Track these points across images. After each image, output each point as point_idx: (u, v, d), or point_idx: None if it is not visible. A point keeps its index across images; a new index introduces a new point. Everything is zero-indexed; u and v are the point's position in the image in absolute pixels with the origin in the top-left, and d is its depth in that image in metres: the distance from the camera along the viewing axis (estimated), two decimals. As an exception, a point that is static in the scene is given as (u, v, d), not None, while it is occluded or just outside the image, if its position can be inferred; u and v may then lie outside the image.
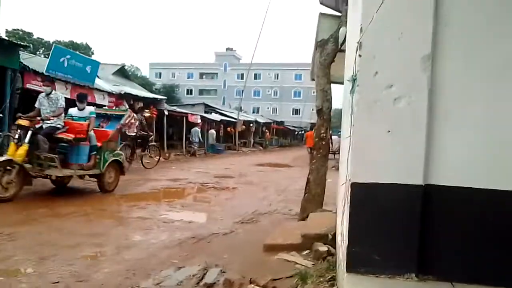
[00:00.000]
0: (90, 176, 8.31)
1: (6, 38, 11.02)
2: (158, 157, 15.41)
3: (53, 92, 8.01)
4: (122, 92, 16.49)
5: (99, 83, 15.42)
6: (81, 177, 8.21)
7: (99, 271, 3.89)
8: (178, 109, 23.89)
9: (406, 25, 2.34)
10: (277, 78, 72.92)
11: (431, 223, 2.35)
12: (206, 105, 31.47)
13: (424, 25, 2.31)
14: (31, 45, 19.96)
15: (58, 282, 3.55)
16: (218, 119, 28.40)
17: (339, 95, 7.19)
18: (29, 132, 7.16)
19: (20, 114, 7.51)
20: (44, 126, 7.53)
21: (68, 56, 13.19)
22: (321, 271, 3.46)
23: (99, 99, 14.67)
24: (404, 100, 2.35)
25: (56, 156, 7.39)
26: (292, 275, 3.56)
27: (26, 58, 12.07)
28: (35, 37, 39.52)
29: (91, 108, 8.55)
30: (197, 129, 22.77)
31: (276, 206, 8.05)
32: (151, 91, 30.18)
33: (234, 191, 10.22)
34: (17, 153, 6.94)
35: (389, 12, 2.33)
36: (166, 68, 74.93)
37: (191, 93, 72.18)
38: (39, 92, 12.02)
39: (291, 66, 71.24)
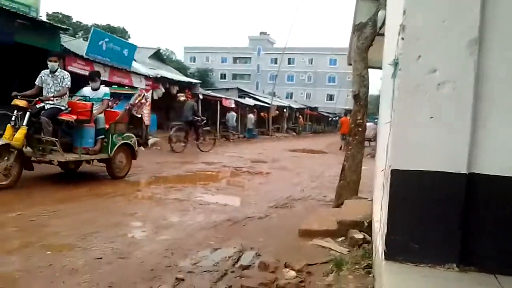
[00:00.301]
0: (98, 161, 7.78)
1: (48, 21, 11.32)
2: (213, 140, 16.28)
3: (59, 69, 7.21)
4: (158, 76, 16.73)
5: (136, 66, 15.69)
6: (89, 162, 7.73)
7: (139, 249, 4.02)
8: (212, 93, 24.06)
9: (452, 6, 2.25)
10: (311, 63, 72.03)
11: (475, 213, 2.29)
12: (240, 90, 31.55)
13: (471, 7, 2.22)
14: (71, 28, 20.42)
15: (101, 258, 3.70)
16: (252, 104, 28.44)
17: (376, 81, 7.05)
18: (27, 114, 6.53)
19: (15, 93, 6.73)
20: (47, 107, 6.95)
21: (106, 40, 13.45)
22: (356, 258, 3.45)
23: (136, 82, 14.95)
24: (448, 85, 2.28)
25: (57, 139, 6.73)
26: (327, 261, 3.57)
27: (66, 41, 12.37)
28: (74, 20, 40.58)
29: (106, 89, 7.95)
30: (233, 113, 22.94)
31: (310, 192, 8.04)
32: (186, 75, 30.48)
33: (267, 176, 10.26)
34: (15, 137, 6.35)
35: None
36: (200, 52, 75.37)
37: (224, 78, 72.46)
38: (80, 75, 12.46)
39: (326, 51, 70.14)
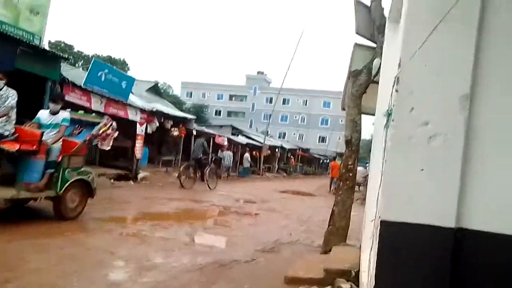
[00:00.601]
0: (45, 198, 6.61)
1: (49, 50, 11.46)
2: (218, 177, 16.70)
3: (5, 88, 6.20)
4: (154, 109, 16.82)
5: (132, 98, 15.80)
6: (36, 199, 6.64)
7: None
8: (206, 130, 24.18)
9: (446, 62, 2.32)
10: (306, 105, 73.07)
11: (463, 269, 2.26)
12: (234, 128, 31.75)
13: (464, 64, 2.28)
14: (72, 58, 20.69)
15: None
16: (244, 142, 28.54)
17: (368, 125, 7.15)
18: None
19: None
20: None
21: (106, 71, 13.61)
22: (342, 308, 3.36)
23: (131, 114, 15.01)
24: (439, 138, 2.31)
25: None
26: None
27: (66, 70, 12.49)
28: (75, 50, 41.10)
29: (65, 114, 6.83)
30: (230, 153, 23.11)
31: (298, 236, 7.93)
32: (181, 110, 30.70)
33: (256, 217, 10.14)
34: None
35: (429, 48, 2.31)
36: (197, 88, 76.30)
37: (219, 114, 73.03)
38: (76, 105, 12.52)
39: (320, 94, 71.36)
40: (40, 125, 6.56)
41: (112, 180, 13.29)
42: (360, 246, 4.85)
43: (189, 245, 6.16)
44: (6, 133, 5.97)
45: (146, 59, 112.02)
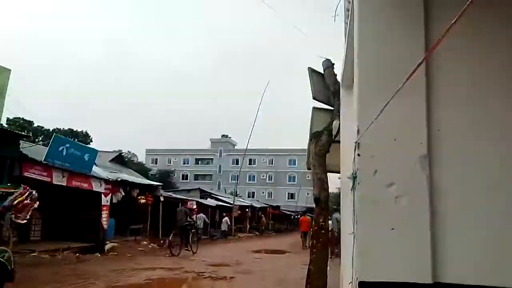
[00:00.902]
0: None
1: (8, 129, 11.26)
2: (197, 241, 17.01)
3: None
4: (119, 179, 16.53)
5: (96, 170, 15.51)
6: None
7: None
8: (174, 195, 23.81)
9: (401, 128, 2.45)
10: (272, 163, 73.82)
11: (444, 327, 2.27)
12: (202, 191, 31.45)
13: (418, 128, 2.43)
14: (31, 134, 20.32)
15: None
16: (214, 204, 28.19)
17: (335, 180, 7.27)
18: None
19: None
20: None
21: (67, 145, 13.42)
22: None
23: (95, 186, 14.67)
24: (405, 198, 2.39)
25: None
26: None
27: (25, 147, 12.24)
28: (35, 125, 40.41)
29: None
30: (203, 215, 22.73)
31: (277, 299, 7.72)
32: (147, 177, 30.26)
33: (231, 281, 9.83)
34: None
35: (385, 117, 2.38)
36: (162, 154, 75.94)
37: (186, 178, 72.38)
38: (37, 180, 12.14)
39: (285, 152, 72.51)
40: None
41: (77, 254, 12.70)
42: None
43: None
44: None
45: (108, 129, 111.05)
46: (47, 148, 12.73)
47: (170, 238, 15.23)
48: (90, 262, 11.93)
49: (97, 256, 13.14)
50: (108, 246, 14.55)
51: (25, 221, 6.84)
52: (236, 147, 77.50)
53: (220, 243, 23.35)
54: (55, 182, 12.68)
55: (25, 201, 6.53)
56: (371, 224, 2.42)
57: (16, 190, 6.87)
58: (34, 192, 6.84)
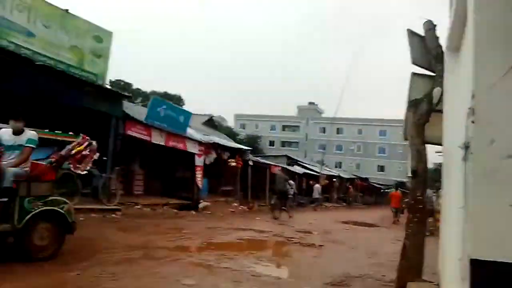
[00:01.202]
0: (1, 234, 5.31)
1: (112, 89, 12.01)
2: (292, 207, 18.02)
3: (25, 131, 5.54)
4: (211, 142, 17.05)
5: (190, 132, 16.12)
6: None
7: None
8: (262, 160, 24.13)
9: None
10: (361, 133, 71.53)
11: None
12: (289, 157, 31.51)
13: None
14: (132, 95, 21.65)
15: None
16: (301, 172, 28.13)
17: (431, 154, 6.68)
18: None
19: None
20: None
21: (164, 107, 14.04)
22: None
23: (190, 147, 15.30)
24: (528, 171, 2.04)
25: None
26: None
27: (127, 107, 13.00)
28: (134, 87, 43.17)
29: (31, 133, 5.64)
30: (292, 182, 22.53)
31: (368, 270, 7.42)
32: (236, 141, 31.01)
33: (320, 249, 9.69)
34: None
35: (506, 79, 2.13)
36: (250, 119, 77.30)
37: (273, 145, 73.19)
38: (138, 139, 12.93)
39: (375, 122, 69.74)
40: (3, 148, 5.61)
41: (175, 210, 13.50)
42: (439, 284, 4.38)
43: (256, 276, 5.96)
44: None
45: (200, 94, 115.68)
46: (147, 109, 13.39)
47: (272, 202, 16.35)
48: (186, 218, 12.59)
49: (192, 213, 13.81)
50: (202, 204, 15.22)
51: (84, 172, 6.24)
52: (323, 115, 76.30)
53: (307, 211, 23.35)
54: (154, 141, 13.45)
55: (84, 152, 5.91)
56: (486, 199, 2.13)
57: (74, 139, 6.31)
58: (94, 143, 6.20)
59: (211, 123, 29.11)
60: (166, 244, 7.77)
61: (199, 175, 15.76)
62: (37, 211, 5.39)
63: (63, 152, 5.88)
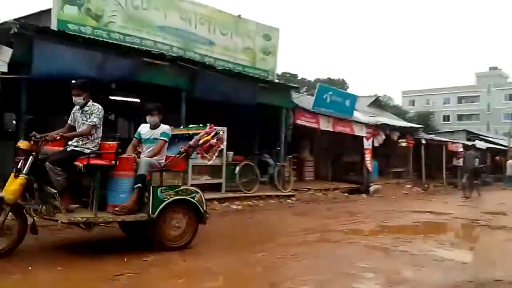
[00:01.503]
0: (136, 223, 5.50)
1: (283, 83, 12.85)
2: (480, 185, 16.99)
3: (90, 103, 5.53)
4: (378, 123, 16.75)
5: (356, 115, 16.11)
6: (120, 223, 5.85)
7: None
8: (436, 138, 22.58)
9: None
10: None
11: None
12: (468, 132, 28.62)
13: None
14: (299, 86, 22.62)
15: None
16: (484, 147, 25.29)
17: None
18: (30, 159, 4.94)
19: (34, 133, 5.16)
20: (69, 149, 5.38)
21: (330, 93, 14.34)
22: None
23: (357, 130, 15.35)
24: None
25: (55, 192, 4.91)
26: None
27: (295, 97, 13.72)
28: (299, 78, 44.77)
29: (165, 127, 5.87)
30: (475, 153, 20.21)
31: None
32: (405, 120, 29.54)
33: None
34: (8, 189, 4.86)
35: None
36: (420, 95, 72.10)
37: (448, 120, 66.96)
38: (307, 127, 13.61)
39: None
40: (140, 141, 6.00)
41: (345, 194, 13.83)
42: None
43: (438, 261, 5.76)
44: (87, 151, 5.26)
45: (363, 74, 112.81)
46: (313, 97, 13.91)
47: (463, 181, 15.84)
48: (357, 202, 12.74)
49: (363, 197, 13.91)
50: (372, 188, 15.17)
51: (211, 161, 6.18)
52: (508, 81, 66.39)
53: (493, 190, 20.95)
54: (322, 128, 13.94)
55: (211, 141, 5.92)
56: None
57: (197, 131, 6.27)
58: (221, 133, 6.23)
59: (377, 103, 28.31)
60: (340, 227, 8.05)
61: (368, 158, 15.71)
62: (170, 200, 5.42)
63: (191, 142, 5.87)
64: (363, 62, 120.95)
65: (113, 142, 5.58)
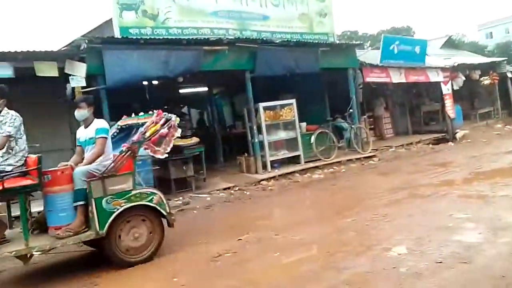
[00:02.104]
0: (86, 243, 4.91)
1: (344, 43, 12.40)
2: None
3: (4, 111, 4.53)
4: (455, 64, 15.61)
5: (429, 60, 15.15)
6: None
7: (480, 254, 3.81)
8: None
9: None
10: None
11: None
12: None
13: None
14: (362, 42, 21.73)
15: (441, 262, 3.69)
16: None
17: None
18: None
19: None
20: None
21: (397, 43, 13.56)
22: None
23: (432, 76, 14.45)
24: None
25: None
26: None
27: (360, 55, 13.20)
28: (360, 34, 42.85)
29: (100, 123, 5.03)
30: None
31: None
32: (484, 56, 27.20)
33: None
34: None
35: None
36: (497, 25, 65.74)
37: (534, 46, 60.55)
38: (378, 83, 13.12)
39: None
40: (82, 147, 5.10)
41: (430, 145, 13.24)
42: None
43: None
44: (8, 168, 4.43)
45: (429, 16, 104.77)
46: (379, 51, 13.30)
47: None
48: (444, 151, 12.09)
49: (449, 145, 13.18)
50: (458, 134, 14.30)
51: (165, 155, 5.10)
52: None
53: None
54: (394, 81, 13.34)
55: (162, 131, 4.90)
56: None
57: (146, 119, 5.18)
58: (173, 118, 5.06)
59: (451, 43, 26.29)
60: (429, 180, 7.75)
61: (449, 104, 14.75)
62: (120, 210, 4.60)
63: (135, 138, 4.81)
64: (426, 2, 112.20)
65: (34, 156, 4.57)
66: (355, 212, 6.04)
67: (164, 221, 4.93)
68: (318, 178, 9.56)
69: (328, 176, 9.71)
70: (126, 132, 5.69)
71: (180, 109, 14.43)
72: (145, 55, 8.45)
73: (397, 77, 13.36)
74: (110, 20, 9.12)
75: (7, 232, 4.63)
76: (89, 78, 7.82)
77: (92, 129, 4.90)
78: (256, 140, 10.00)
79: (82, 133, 5.04)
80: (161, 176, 8.39)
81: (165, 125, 4.91)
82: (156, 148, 4.95)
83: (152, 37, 9.17)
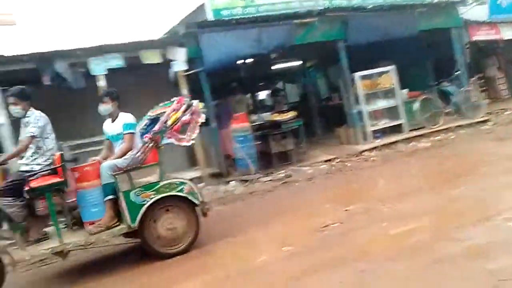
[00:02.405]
0: (126, 236, 4.87)
1: (443, 0, 11.39)
2: None
3: (29, 112, 4.57)
4: None
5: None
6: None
7: None
8: None
9: None
10: None
11: None
12: None
13: None
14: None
15: None
16: None
17: None
18: None
19: None
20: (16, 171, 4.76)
21: (507, -4, 12.23)
22: None
23: None
24: None
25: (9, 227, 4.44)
26: None
27: (464, 12, 12.07)
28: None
29: (127, 117, 4.94)
30: None
31: None
32: None
33: None
34: None
35: None
36: None
37: None
38: (487, 41, 11.93)
39: None
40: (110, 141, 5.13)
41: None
42: None
43: None
44: (37, 168, 4.48)
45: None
46: (486, 5, 12.11)
47: None
48: None
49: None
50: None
51: (191, 142, 4.91)
52: None
53: None
54: (505, 38, 12.08)
55: (183, 118, 4.70)
56: None
57: (167, 107, 4.98)
58: (194, 103, 4.86)
59: None
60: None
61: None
62: (150, 202, 4.54)
63: (156, 128, 4.64)
64: None
65: (57, 153, 4.61)
66: (468, 180, 5.60)
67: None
68: (424, 147, 8.98)
69: (435, 144, 9.08)
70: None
71: (274, 85, 14.59)
72: (238, 35, 8.62)
73: (508, 33, 12.09)
74: (203, 4, 9.41)
75: (49, 229, 4.68)
76: (189, 61, 8.19)
77: (119, 124, 4.87)
78: (355, 111, 9.75)
79: (109, 127, 5.03)
80: (263, 151, 8.68)
81: (187, 112, 4.74)
82: (180, 136, 4.82)
83: (243, 16, 9.30)
